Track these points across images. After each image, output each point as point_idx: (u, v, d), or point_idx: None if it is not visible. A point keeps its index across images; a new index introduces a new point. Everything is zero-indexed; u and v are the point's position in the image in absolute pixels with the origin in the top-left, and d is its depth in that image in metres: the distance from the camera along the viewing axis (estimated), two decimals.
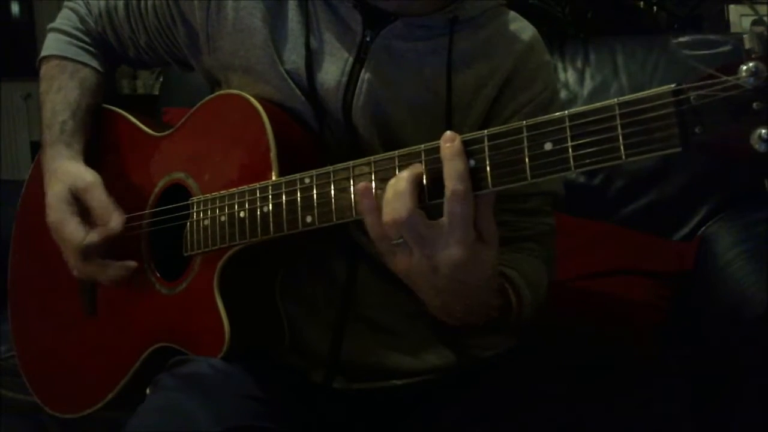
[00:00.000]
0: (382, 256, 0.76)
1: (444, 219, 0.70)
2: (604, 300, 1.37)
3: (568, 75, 1.60)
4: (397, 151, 0.75)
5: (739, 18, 2.30)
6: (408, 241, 0.72)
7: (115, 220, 0.97)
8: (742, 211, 1.44)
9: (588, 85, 1.59)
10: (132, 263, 0.98)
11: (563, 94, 1.57)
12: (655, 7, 2.08)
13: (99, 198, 0.98)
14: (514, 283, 0.87)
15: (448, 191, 0.69)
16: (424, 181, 0.72)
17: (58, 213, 0.99)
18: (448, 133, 0.70)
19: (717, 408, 1.12)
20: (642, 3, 2.09)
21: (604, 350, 1.30)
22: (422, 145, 0.73)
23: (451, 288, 0.74)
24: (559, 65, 1.61)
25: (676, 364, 1.29)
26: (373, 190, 0.75)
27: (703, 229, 1.48)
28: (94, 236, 0.97)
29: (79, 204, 1.00)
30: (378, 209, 0.73)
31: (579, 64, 1.62)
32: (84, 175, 1.01)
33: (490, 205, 0.72)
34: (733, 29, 2.29)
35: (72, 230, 0.98)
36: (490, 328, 0.90)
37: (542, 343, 1.12)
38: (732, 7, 2.30)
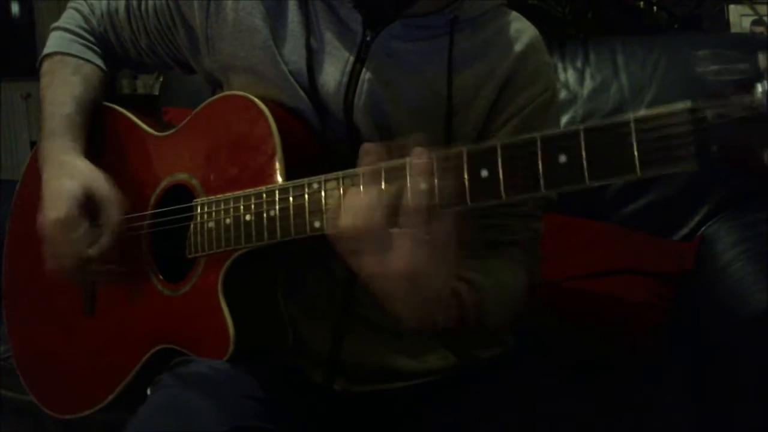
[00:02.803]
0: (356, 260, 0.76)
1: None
2: (604, 300, 1.37)
3: (568, 75, 1.60)
4: (407, 158, 0.74)
5: (739, 18, 2.30)
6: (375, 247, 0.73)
7: (113, 244, 0.97)
8: (742, 211, 1.44)
9: (588, 85, 1.59)
10: (114, 269, 0.98)
11: (563, 94, 1.57)
12: (655, 7, 2.08)
13: (116, 216, 0.97)
14: (472, 281, 0.87)
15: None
16: (436, 189, 0.71)
17: (65, 209, 0.96)
18: (418, 149, 0.72)
19: (717, 408, 1.12)
20: (642, 3, 2.09)
21: (605, 350, 1.31)
22: (434, 153, 0.73)
23: (397, 295, 0.75)
24: (559, 65, 1.61)
25: (676, 363, 1.29)
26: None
27: (703, 229, 1.47)
28: (94, 250, 0.96)
29: (90, 205, 0.97)
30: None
31: (579, 64, 1.61)
32: (103, 182, 0.98)
33: (453, 222, 0.72)
34: (733, 29, 2.29)
35: (77, 235, 0.95)
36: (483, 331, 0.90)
37: (542, 344, 1.12)
38: (732, 7, 2.30)
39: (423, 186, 0.70)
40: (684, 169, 0.60)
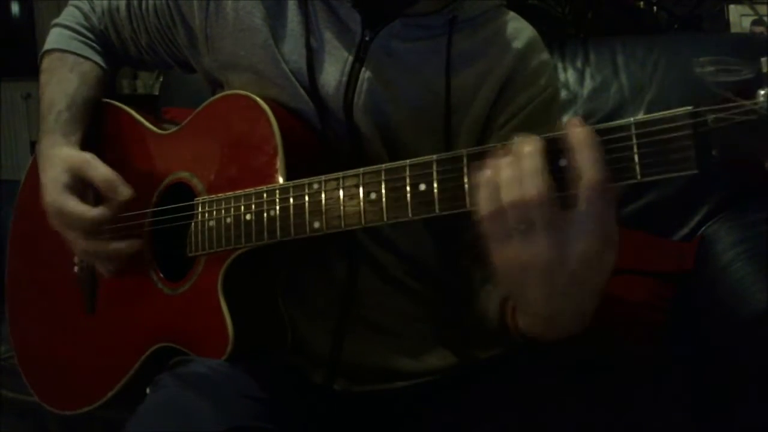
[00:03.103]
0: (488, 242, 0.67)
1: (580, 209, 0.63)
2: (604, 300, 1.37)
3: (568, 75, 1.60)
4: (408, 161, 0.74)
5: (739, 18, 2.30)
6: (537, 225, 0.64)
7: (123, 190, 0.96)
8: (742, 211, 1.44)
9: (588, 85, 1.59)
10: (137, 241, 0.98)
11: (563, 94, 1.57)
12: (655, 7, 2.08)
13: (101, 171, 0.97)
14: None
15: (591, 179, 0.62)
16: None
17: (54, 194, 0.98)
18: (576, 119, 0.65)
19: (718, 408, 1.12)
20: (642, 3, 2.09)
21: (604, 350, 1.30)
22: (434, 156, 0.73)
23: (570, 289, 0.67)
24: (559, 65, 1.61)
25: (676, 364, 1.29)
26: (384, 199, 0.75)
27: (703, 229, 1.48)
28: (101, 209, 0.96)
29: (78, 184, 0.99)
30: (497, 184, 0.66)
31: (579, 64, 1.61)
32: (80, 154, 1.00)
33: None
34: (733, 29, 2.29)
35: (73, 207, 0.97)
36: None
37: (542, 344, 1.12)
38: (732, 7, 2.30)
39: (600, 156, 0.63)
40: (684, 173, 0.60)
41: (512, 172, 0.65)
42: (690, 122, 0.59)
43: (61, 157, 1.01)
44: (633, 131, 0.62)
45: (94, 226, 0.97)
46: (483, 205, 0.67)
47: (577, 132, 0.63)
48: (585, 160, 0.63)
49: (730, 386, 1.09)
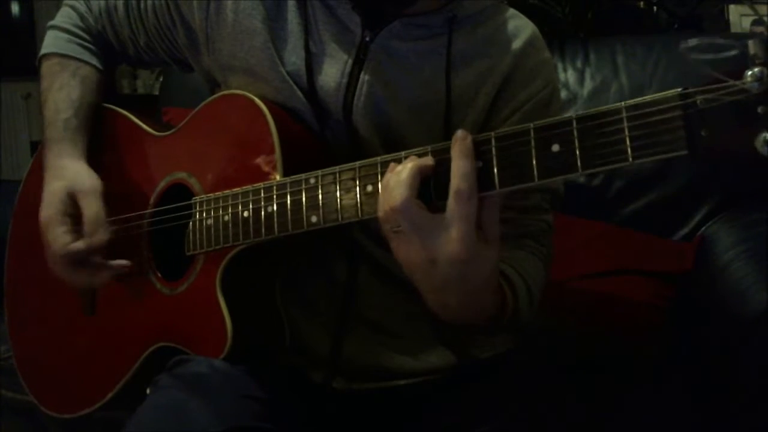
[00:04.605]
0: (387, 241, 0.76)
1: (446, 214, 0.71)
2: (604, 300, 1.37)
3: (568, 75, 1.60)
4: (404, 152, 0.76)
5: (739, 18, 2.30)
6: (405, 229, 0.73)
7: (100, 235, 0.96)
8: (742, 211, 1.44)
9: (588, 85, 1.59)
10: (122, 263, 0.98)
11: (563, 93, 1.57)
12: (655, 7, 2.08)
13: (93, 207, 0.98)
14: (511, 281, 0.87)
15: (452, 189, 0.70)
16: (432, 181, 0.73)
17: (50, 210, 0.98)
18: (461, 131, 0.72)
19: (718, 408, 1.12)
20: (642, 3, 2.10)
21: (605, 350, 1.31)
22: (429, 146, 0.74)
23: (448, 284, 0.74)
24: (559, 65, 1.61)
25: (676, 364, 1.29)
26: (380, 191, 0.76)
27: (703, 229, 1.48)
28: (80, 245, 0.96)
29: (74, 206, 0.99)
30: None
31: (579, 64, 1.62)
32: (86, 179, 1.00)
33: (496, 205, 0.73)
34: (733, 29, 2.29)
35: (57, 233, 0.97)
36: (487, 328, 0.90)
37: (542, 343, 1.12)
38: (732, 7, 2.30)
39: (469, 167, 0.70)
40: (674, 154, 0.60)
41: (392, 181, 0.74)
42: (679, 103, 0.60)
43: (68, 170, 1.01)
44: (624, 114, 0.63)
45: (70, 257, 0.97)
46: (378, 207, 0.75)
47: (455, 144, 0.71)
48: (454, 169, 0.71)
49: (730, 386, 1.09)
